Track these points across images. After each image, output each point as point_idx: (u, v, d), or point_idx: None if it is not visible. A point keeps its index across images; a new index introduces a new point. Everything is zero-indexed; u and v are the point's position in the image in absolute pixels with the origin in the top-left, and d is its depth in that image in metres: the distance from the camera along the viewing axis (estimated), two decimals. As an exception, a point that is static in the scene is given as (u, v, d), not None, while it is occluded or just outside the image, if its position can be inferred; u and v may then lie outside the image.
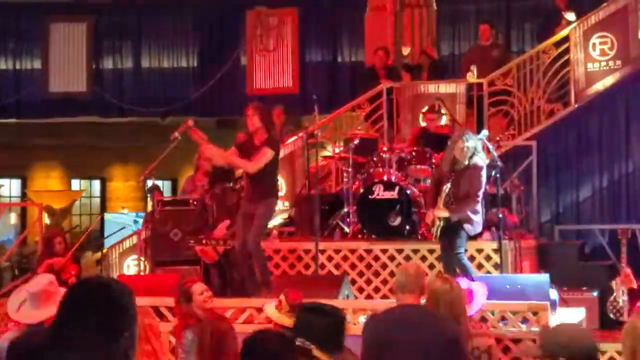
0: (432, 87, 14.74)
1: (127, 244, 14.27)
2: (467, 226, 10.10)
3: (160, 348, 6.26)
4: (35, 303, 6.06)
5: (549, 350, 4.51)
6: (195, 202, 12.63)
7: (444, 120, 13.53)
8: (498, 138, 12.30)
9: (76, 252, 13.18)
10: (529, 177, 13.26)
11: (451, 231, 10.14)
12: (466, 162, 10.06)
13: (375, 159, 12.52)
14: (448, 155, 10.32)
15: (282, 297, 7.33)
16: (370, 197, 11.91)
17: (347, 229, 12.43)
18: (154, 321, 6.59)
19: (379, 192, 11.90)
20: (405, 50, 15.92)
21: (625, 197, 13.58)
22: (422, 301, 6.46)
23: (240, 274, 10.76)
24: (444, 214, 10.07)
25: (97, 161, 22.34)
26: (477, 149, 10.09)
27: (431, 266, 11.18)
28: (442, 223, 10.12)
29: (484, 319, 8.74)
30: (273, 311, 7.33)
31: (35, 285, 6.22)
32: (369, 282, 11.53)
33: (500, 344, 8.69)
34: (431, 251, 11.34)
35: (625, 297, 11.50)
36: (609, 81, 14.12)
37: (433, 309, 6.44)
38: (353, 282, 11.38)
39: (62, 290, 5.91)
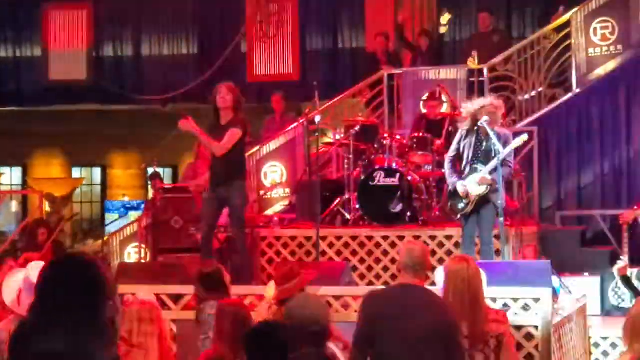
0: (432, 74, 14.69)
1: (128, 231, 14.27)
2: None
3: (163, 332, 6.26)
4: (31, 293, 6.05)
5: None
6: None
7: (444, 107, 13.49)
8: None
9: (62, 244, 13.06)
10: (530, 163, 13.23)
11: (488, 207, 10.07)
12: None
13: (376, 145, 12.49)
14: None
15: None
16: (371, 183, 11.89)
17: (348, 216, 12.41)
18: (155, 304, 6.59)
19: (380, 179, 11.88)
20: (402, 19, 15.78)
21: (627, 182, 13.55)
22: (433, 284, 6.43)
23: (246, 257, 10.69)
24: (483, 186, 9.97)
25: (98, 149, 22.33)
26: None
27: (432, 252, 11.14)
28: (477, 197, 10.00)
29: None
30: (271, 289, 7.47)
31: (32, 274, 6.21)
32: (370, 268, 11.52)
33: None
34: (433, 237, 11.33)
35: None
36: (610, 66, 14.09)
37: (450, 288, 6.40)
38: (354, 268, 11.37)
39: None
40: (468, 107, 10.22)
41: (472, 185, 9.98)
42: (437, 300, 6.26)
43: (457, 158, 10.21)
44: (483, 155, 10.01)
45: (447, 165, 10.33)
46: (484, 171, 9.93)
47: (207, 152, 12.89)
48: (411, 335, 5.92)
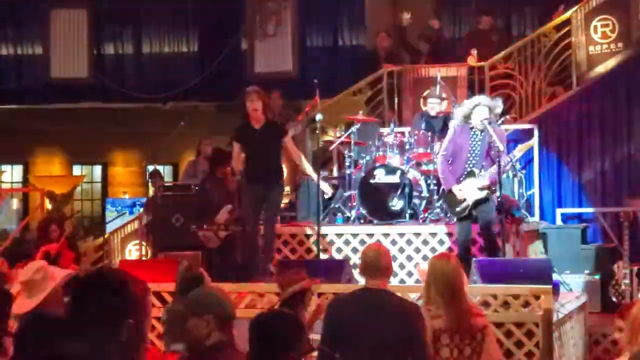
0: (433, 71, 14.70)
1: (128, 229, 14.28)
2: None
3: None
4: (26, 292, 6.05)
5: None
6: (196, 188, 12.63)
7: (445, 105, 13.49)
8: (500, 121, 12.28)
9: (74, 239, 13.14)
10: (531, 160, 13.26)
11: (488, 206, 10.16)
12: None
13: (376, 143, 12.52)
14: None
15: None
16: (371, 181, 11.92)
17: (348, 213, 12.43)
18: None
19: (381, 177, 11.90)
20: (406, 22, 15.76)
21: (627, 180, 13.56)
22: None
23: (247, 257, 10.81)
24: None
25: (99, 146, 22.35)
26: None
27: (433, 250, 11.17)
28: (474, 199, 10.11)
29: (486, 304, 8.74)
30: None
31: (23, 274, 6.22)
32: (370, 266, 11.51)
33: (503, 328, 8.70)
34: (433, 234, 11.35)
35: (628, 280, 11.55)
36: (610, 64, 14.10)
37: (431, 282, 6.40)
38: (355, 266, 11.38)
39: (57, 274, 5.92)
40: (462, 106, 10.28)
41: (471, 190, 10.07)
42: (399, 304, 6.22)
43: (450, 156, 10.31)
44: (479, 156, 10.07)
45: (442, 163, 10.38)
46: (483, 176, 9.99)
47: (207, 150, 12.98)
48: (372, 340, 5.91)
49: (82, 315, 3.07)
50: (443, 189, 10.62)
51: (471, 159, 10.16)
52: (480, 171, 10.11)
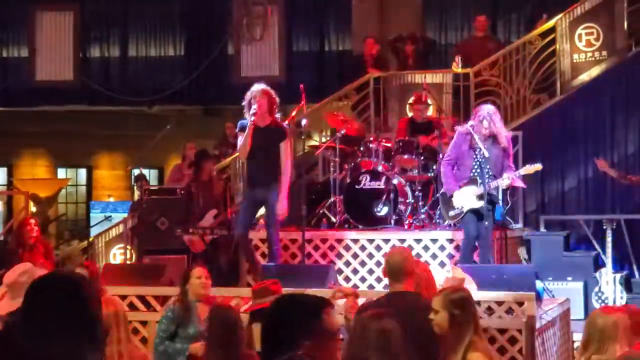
0: (418, 77, 14.76)
1: (113, 232, 14.27)
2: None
3: (127, 337, 6.16)
4: (11, 294, 6.08)
5: None
6: (181, 191, 12.64)
7: (430, 111, 13.55)
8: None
9: (47, 233, 13.00)
10: (515, 167, 13.28)
11: (490, 210, 10.19)
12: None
13: (362, 148, 12.54)
14: None
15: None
16: (356, 186, 11.95)
17: (333, 219, 12.45)
18: (120, 308, 6.47)
19: (366, 182, 11.93)
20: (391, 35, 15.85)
21: (611, 187, 13.60)
22: None
23: (232, 262, 10.79)
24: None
25: (84, 149, 22.31)
26: None
27: (417, 256, 11.18)
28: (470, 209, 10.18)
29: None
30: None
31: (8, 277, 6.24)
32: (355, 271, 11.55)
33: (486, 334, 8.73)
34: (418, 240, 11.38)
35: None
36: (594, 72, 14.18)
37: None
38: (339, 271, 11.40)
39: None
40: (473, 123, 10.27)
41: (470, 197, 10.10)
42: (423, 305, 6.27)
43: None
44: (483, 164, 10.07)
45: (446, 169, 10.37)
46: (485, 187, 9.99)
47: (192, 155, 12.94)
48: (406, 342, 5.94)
49: (34, 317, 3.12)
50: (443, 196, 10.60)
51: (474, 168, 10.16)
52: (487, 179, 10.07)
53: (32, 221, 12.37)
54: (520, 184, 10.59)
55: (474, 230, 10.20)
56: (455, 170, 10.32)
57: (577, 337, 10.74)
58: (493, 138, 10.16)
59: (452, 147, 10.38)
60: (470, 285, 7.58)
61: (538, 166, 10.50)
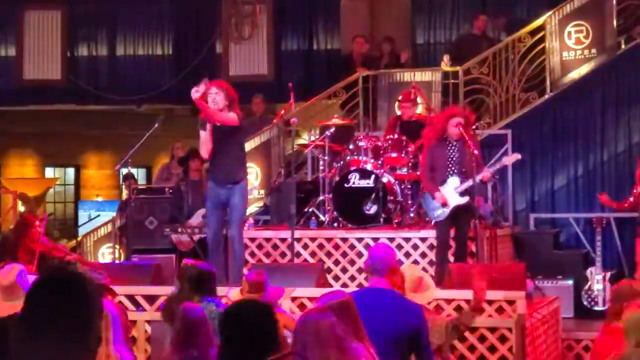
0: (408, 75, 14.73)
1: (102, 232, 14.22)
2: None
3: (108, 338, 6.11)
4: (5, 296, 6.01)
5: None
6: (170, 190, 12.60)
7: (419, 109, 13.52)
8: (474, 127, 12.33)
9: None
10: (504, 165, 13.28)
11: (464, 211, 10.35)
12: None
13: (351, 147, 12.50)
14: None
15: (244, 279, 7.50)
16: (345, 185, 11.91)
17: (322, 217, 12.41)
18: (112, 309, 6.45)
19: (355, 181, 11.90)
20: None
21: (600, 185, 13.61)
22: None
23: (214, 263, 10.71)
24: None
25: (72, 149, 22.26)
26: None
27: (407, 254, 11.18)
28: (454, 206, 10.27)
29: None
30: (236, 294, 7.45)
31: (4, 278, 6.16)
32: (344, 270, 11.52)
33: (477, 333, 8.71)
34: (407, 239, 11.35)
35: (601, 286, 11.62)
36: (584, 70, 14.18)
37: None
38: (329, 270, 11.38)
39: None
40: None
41: (452, 195, 10.30)
42: (403, 303, 6.22)
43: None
44: (457, 163, 10.35)
45: (423, 171, 10.77)
46: (465, 184, 10.25)
47: (180, 153, 12.89)
48: (375, 339, 5.91)
49: (35, 317, 3.07)
50: (424, 193, 10.81)
51: (448, 168, 10.39)
52: (461, 178, 10.37)
53: (38, 222, 12.30)
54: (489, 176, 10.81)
55: (442, 235, 10.56)
56: (431, 173, 10.62)
57: (567, 335, 10.75)
58: (463, 140, 10.41)
59: (426, 151, 10.65)
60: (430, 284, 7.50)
61: (517, 155, 10.79)
